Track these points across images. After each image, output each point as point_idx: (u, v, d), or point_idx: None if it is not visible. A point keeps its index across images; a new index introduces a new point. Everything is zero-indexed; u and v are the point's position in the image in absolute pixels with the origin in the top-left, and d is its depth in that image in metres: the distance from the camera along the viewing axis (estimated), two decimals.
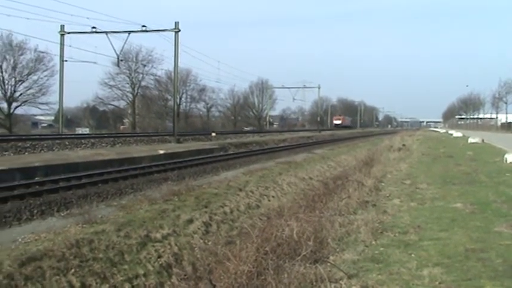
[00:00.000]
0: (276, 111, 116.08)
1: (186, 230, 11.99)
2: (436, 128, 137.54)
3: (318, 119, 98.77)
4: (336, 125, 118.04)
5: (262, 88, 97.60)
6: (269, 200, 17.54)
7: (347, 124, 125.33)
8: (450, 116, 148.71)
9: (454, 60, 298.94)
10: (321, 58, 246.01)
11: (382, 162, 21.75)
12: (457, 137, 49.19)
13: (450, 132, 68.96)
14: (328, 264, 5.90)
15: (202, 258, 10.62)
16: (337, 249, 6.77)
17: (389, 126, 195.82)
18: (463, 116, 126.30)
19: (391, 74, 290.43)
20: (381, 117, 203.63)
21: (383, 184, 13.89)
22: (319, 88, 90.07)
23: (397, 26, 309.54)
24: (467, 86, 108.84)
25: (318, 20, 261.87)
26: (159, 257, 10.23)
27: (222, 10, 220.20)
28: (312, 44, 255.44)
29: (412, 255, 6.43)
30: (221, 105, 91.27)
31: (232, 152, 31.07)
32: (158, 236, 11.01)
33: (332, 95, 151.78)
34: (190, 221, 12.57)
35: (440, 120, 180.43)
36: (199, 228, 12.44)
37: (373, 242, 7.09)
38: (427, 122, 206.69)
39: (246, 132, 54.90)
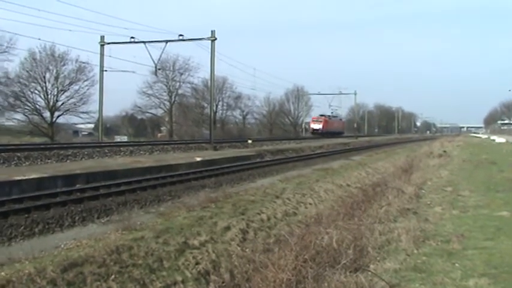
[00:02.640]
0: None
1: (224, 237, 11.99)
2: (477, 133, 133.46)
3: (355, 125, 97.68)
4: (314, 130, 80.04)
5: (298, 95, 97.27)
6: (306, 207, 17.38)
7: (335, 130, 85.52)
8: (492, 121, 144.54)
9: (495, 64, 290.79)
10: (357, 64, 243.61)
11: (421, 169, 21.28)
12: (500, 143, 47.72)
13: (492, 137, 66.97)
14: (369, 273, 5.77)
15: (239, 265, 10.59)
16: (378, 258, 6.62)
17: (428, 132, 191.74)
18: (505, 121, 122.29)
19: (430, 79, 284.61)
20: (419, 123, 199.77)
21: (423, 191, 13.56)
22: (355, 94, 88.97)
23: (437, 30, 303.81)
24: (510, 90, 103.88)
25: (354, 26, 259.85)
26: (197, 263, 10.25)
27: (258, 17, 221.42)
28: (348, 50, 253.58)
29: (456, 264, 6.23)
30: (257, 113, 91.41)
31: (268, 159, 31.01)
32: (196, 243, 11.05)
33: (369, 101, 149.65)
34: (228, 228, 12.56)
35: (482, 125, 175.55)
36: (236, 236, 12.41)
37: (415, 251, 6.90)
38: (468, 127, 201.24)
39: (283, 139, 54.73)
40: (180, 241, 10.75)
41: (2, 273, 7.39)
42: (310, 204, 17.98)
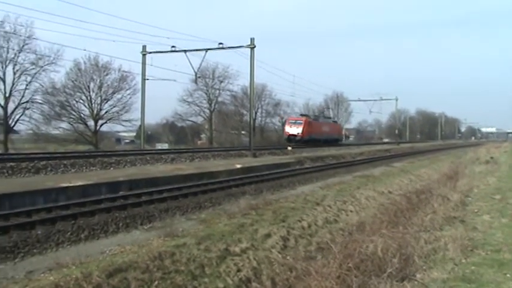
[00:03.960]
0: (352, 124, 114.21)
1: (264, 244, 11.95)
2: None
3: (396, 131, 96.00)
4: (291, 136, 53.92)
5: (338, 101, 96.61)
6: (347, 215, 17.15)
7: (325, 136, 60.55)
8: None
9: None
10: (398, 69, 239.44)
11: (467, 176, 20.67)
12: None
13: None
14: (416, 282, 5.61)
15: (281, 273, 10.54)
16: (424, 267, 6.43)
17: (473, 138, 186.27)
18: None
19: (475, 83, 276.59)
20: (463, 128, 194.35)
21: (470, 199, 13.15)
22: (396, 100, 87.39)
23: (483, 33, 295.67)
24: None
25: (394, 31, 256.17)
26: (238, 270, 10.25)
27: (296, 24, 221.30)
28: (388, 55, 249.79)
29: (508, 275, 5.99)
30: None
31: (308, 166, 30.81)
32: (237, 250, 11.05)
33: (410, 107, 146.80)
34: (268, 236, 12.52)
35: None
36: (277, 243, 12.36)
37: (463, 260, 6.68)
38: None
39: (323, 146, 54.30)
40: (221, 248, 10.78)
41: (51, 278, 7.59)
42: (351, 211, 17.74)
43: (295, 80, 72.92)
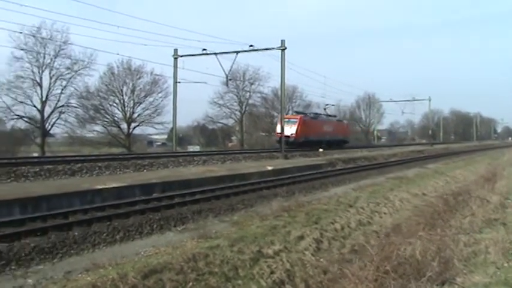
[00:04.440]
0: (384, 125, 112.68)
1: (297, 247, 11.87)
2: None
3: (429, 132, 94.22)
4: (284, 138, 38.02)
5: (369, 102, 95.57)
6: (381, 217, 16.90)
7: (327, 137, 51.02)
8: None
9: None
10: (431, 69, 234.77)
11: (506, 178, 20.09)
12: None
13: None
14: (456, 286, 5.45)
15: (314, 275, 10.44)
16: (465, 271, 6.26)
17: (510, 138, 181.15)
18: None
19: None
20: (499, 129, 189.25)
21: (510, 201, 12.76)
22: (429, 100, 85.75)
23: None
24: None
25: (426, 30, 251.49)
26: (272, 273, 10.20)
27: (327, 25, 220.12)
28: (421, 54, 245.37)
29: None
30: None
31: (340, 168, 30.54)
32: (270, 252, 11.01)
33: (444, 107, 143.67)
34: (301, 238, 12.44)
35: None
36: (310, 245, 12.26)
37: (505, 264, 6.46)
38: None
39: (355, 147, 53.76)
40: (254, 250, 10.76)
41: (88, 278, 7.71)
42: (385, 213, 17.47)
43: (326, 81, 72.33)
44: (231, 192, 17.54)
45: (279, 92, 43.12)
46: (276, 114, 68.04)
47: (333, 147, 48.33)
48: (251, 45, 36.35)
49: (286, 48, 35.66)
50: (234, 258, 10.10)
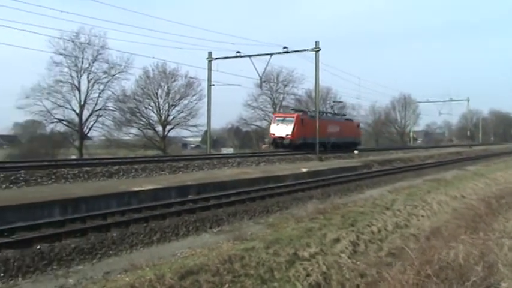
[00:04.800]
0: (420, 127, 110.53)
1: (333, 249, 11.75)
2: None
3: (468, 133, 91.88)
4: (277, 139, 39.20)
5: (405, 103, 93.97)
6: (418, 220, 16.55)
7: (331, 139, 42.68)
8: None
9: None
10: (469, 69, 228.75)
11: None
12: None
13: None
14: None
15: (351, 278, 10.30)
16: (510, 276, 6.03)
17: None
18: None
19: None
20: None
21: None
22: (468, 101, 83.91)
23: None
24: None
25: (463, 30, 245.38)
26: (308, 275, 10.12)
27: (361, 26, 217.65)
28: (458, 54, 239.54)
29: None
30: (362, 122, 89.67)
31: (376, 170, 30.11)
32: (306, 254, 10.92)
33: (483, 108, 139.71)
34: (337, 240, 12.30)
35: None
36: (346, 248, 12.11)
37: None
38: None
39: (390, 149, 52.91)
40: (290, 252, 10.70)
41: (126, 279, 7.81)
42: (422, 216, 17.11)
43: (361, 83, 71.45)
44: (266, 194, 17.52)
45: (313, 94, 42.89)
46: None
47: (341, 149, 41.70)
48: (285, 47, 36.37)
49: (320, 49, 35.49)
50: (270, 261, 10.06)
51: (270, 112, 69.03)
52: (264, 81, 45.41)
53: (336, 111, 54.98)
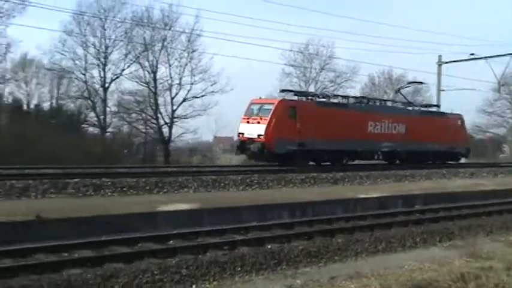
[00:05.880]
0: None
1: None
2: None
3: None
4: (245, 141, 22.31)
5: None
6: None
7: (404, 144, 26.45)
8: None
9: None
10: None
11: None
12: None
13: None
14: None
15: None
16: None
17: None
18: None
19: None
20: None
21: None
22: None
23: None
24: None
25: None
26: None
27: None
28: None
29: None
30: None
31: None
32: None
33: None
34: None
35: None
36: None
37: None
38: None
39: None
40: None
41: (352, 286, 7.76)
42: None
43: None
44: (505, 209, 15.68)
45: None
46: None
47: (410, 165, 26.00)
48: None
49: None
50: (511, 284, 8.88)
51: (510, 118, 62.15)
52: (503, 85, 41.17)
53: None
